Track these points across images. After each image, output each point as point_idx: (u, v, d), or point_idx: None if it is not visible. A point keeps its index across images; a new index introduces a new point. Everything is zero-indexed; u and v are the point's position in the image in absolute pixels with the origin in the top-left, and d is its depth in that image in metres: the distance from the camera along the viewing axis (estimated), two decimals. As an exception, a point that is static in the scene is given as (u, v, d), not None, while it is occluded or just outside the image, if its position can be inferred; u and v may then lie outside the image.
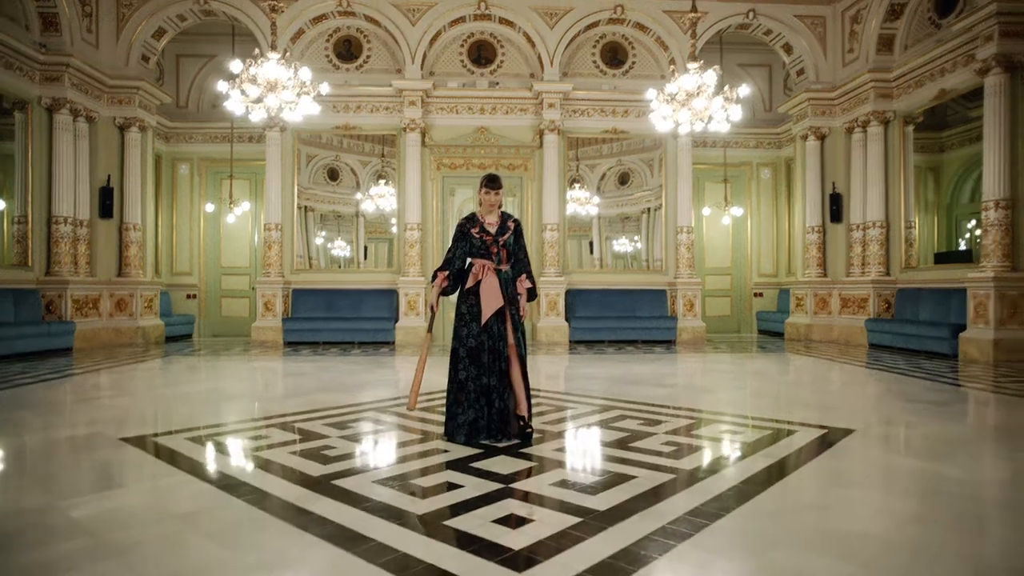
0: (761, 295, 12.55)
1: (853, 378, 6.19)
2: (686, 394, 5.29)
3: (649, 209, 10.81)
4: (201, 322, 11.85)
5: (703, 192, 12.20)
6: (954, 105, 9.00)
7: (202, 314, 11.93)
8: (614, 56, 10.49)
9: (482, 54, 10.38)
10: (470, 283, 3.49)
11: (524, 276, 3.50)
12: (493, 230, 3.49)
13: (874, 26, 9.20)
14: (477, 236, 3.51)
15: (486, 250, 3.49)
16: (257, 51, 6.29)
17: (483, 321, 3.41)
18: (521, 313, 3.48)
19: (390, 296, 10.08)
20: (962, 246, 9.31)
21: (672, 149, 10.34)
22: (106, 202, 9.29)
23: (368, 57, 10.25)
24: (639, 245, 10.95)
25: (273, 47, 6.29)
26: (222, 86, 6.23)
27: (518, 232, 3.51)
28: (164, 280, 11.51)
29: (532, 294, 3.55)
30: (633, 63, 10.48)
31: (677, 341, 9.97)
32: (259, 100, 6.20)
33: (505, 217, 3.52)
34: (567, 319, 10.06)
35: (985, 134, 7.43)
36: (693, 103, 6.30)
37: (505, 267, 3.49)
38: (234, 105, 6.21)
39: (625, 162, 13.62)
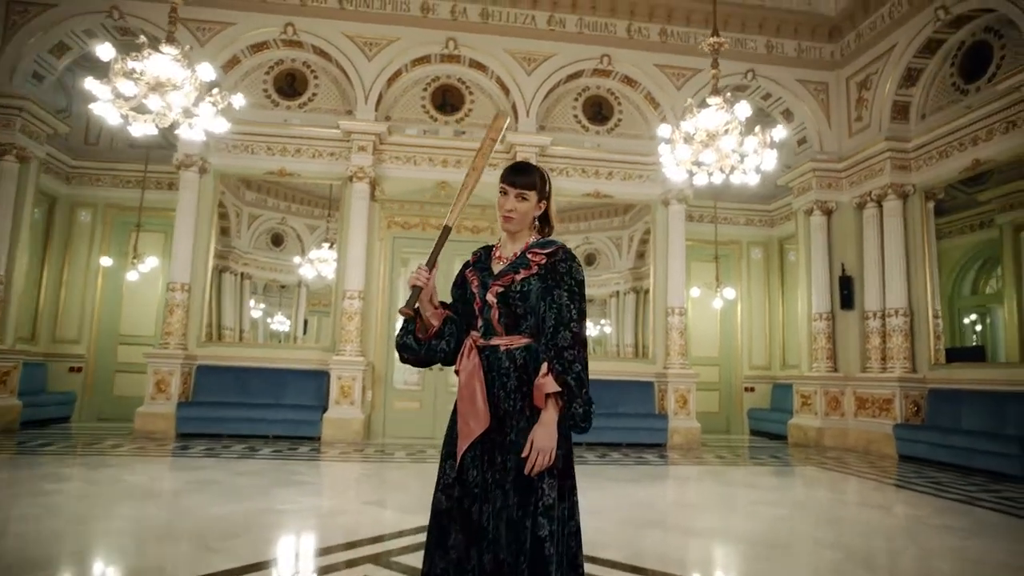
0: (753, 390, 11.05)
1: (979, 524, 4.54)
2: (751, 556, 3.54)
3: (618, 292, 9.44)
4: (86, 401, 9.57)
5: (689, 272, 10.87)
6: (952, 190, 8.04)
7: (88, 392, 9.67)
8: (598, 111, 9.29)
9: (448, 100, 9.03)
10: (457, 365, 1.87)
11: (548, 362, 1.70)
12: (498, 268, 1.86)
13: (888, 91, 8.24)
14: (471, 278, 1.90)
15: (471, 308, 1.88)
16: (147, 47, 4.66)
17: (457, 457, 1.75)
18: (539, 448, 1.64)
19: (319, 379, 8.14)
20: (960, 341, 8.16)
21: (662, 218, 8.99)
22: (-45, 246, 7.28)
23: (314, 95, 8.75)
24: (607, 330, 9.46)
25: (169, 40, 4.67)
26: (90, 84, 4.54)
27: (552, 274, 1.76)
28: (41, 348, 9.31)
29: (573, 407, 1.69)
30: (619, 120, 9.28)
31: (668, 445, 8.24)
32: (141, 108, 4.51)
33: (539, 247, 1.82)
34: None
35: (1044, 208, 6.27)
36: (720, 143, 4.91)
37: (502, 341, 1.79)
38: (104, 111, 4.52)
39: (593, 240, 12.33)
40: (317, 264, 9.31)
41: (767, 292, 11.29)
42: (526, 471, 1.65)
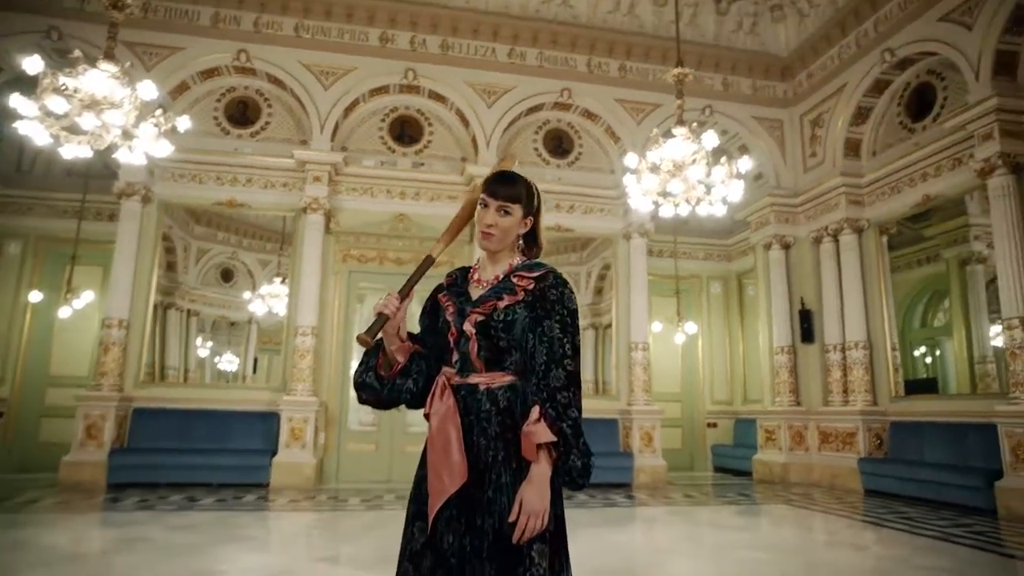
0: (715, 425, 10.96)
1: (963, 563, 4.41)
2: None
3: (579, 326, 9.26)
4: (6, 450, 8.78)
5: (650, 307, 10.80)
6: (900, 226, 8.26)
7: (10, 437, 8.89)
8: (559, 145, 9.25)
9: (406, 131, 8.84)
10: (427, 408, 1.59)
11: (539, 406, 1.45)
12: (476, 292, 1.62)
13: (840, 128, 8.44)
14: (444, 304, 1.64)
15: (445, 341, 1.62)
16: (83, 63, 4.32)
17: (429, 519, 1.47)
18: (529, 511, 1.38)
19: (269, 421, 7.64)
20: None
21: (624, 252, 8.92)
22: None
23: (267, 123, 8.45)
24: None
25: (108, 56, 4.33)
26: (15, 101, 4.16)
27: (541, 302, 1.52)
28: (-43, 392, 8.54)
29: (570, 459, 1.42)
30: (580, 154, 9.25)
31: (635, 484, 7.99)
32: (75, 128, 4.15)
33: (525, 270, 1.58)
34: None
35: (996, 244, 6.42)
36: (687, 173, 4.83)
37: (482, 379, 1.53)
38: (31, 129, 4.14)
39: None
40: (268, 300, 8.88)
41: (727, 326, 11.31)
42: (515, 539, 1.38)
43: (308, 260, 7.93)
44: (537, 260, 1.65)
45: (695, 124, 5.50)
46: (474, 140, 8.63)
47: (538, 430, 1.42)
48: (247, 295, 9.03)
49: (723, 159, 5.08)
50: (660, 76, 8.85)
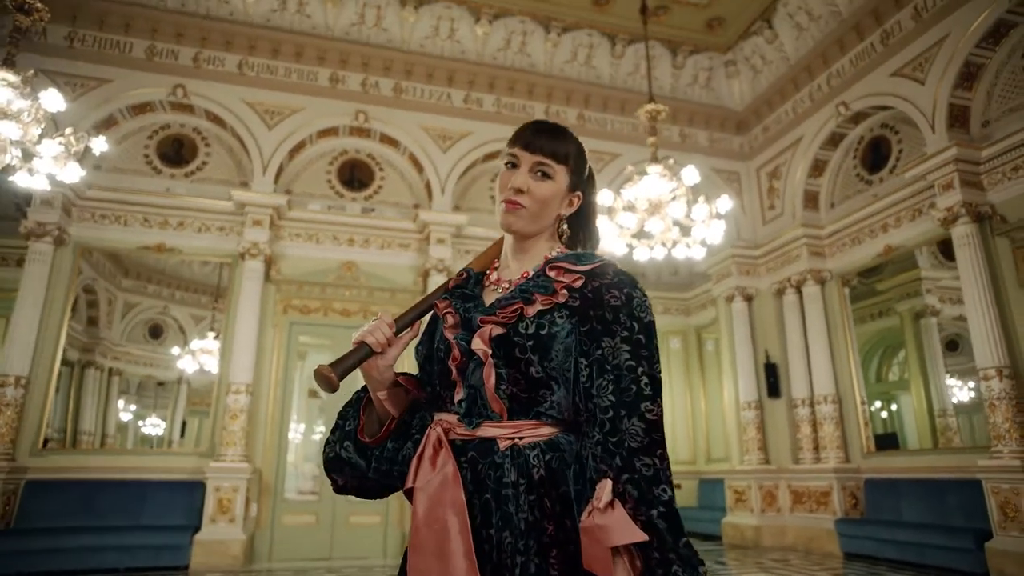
0: (679, 487, 10.44)
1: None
2: None
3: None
4: None
5: (609, 360, 10.42)
6: (855, 280, 8.23)
7: None
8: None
9: (356, 175, 8.37)
10: (409, 481, 1.02)
11: (609, 480, 0.90)
12: (493, 297, 1.11)
13: (798, 181, 8.44)
14: (443, 314, 1.13)
15: (441, 368, 1.08)
16: (-17, 71, 3.70)
17: None
18: None
19: (193, 492, 6.72)
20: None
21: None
22: None
23: (204, 163, 7.83)
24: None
25: (7, 64, 3.72)
26: None
27: (596, 309, 1.01)
28: None
29: (670, 571, 0.86)
30: (537, 204, 8.93)
31: (602, 553, 7.34)
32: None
33: (568, 261, 1.08)
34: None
35: (966, 293, 6.32)
36: (667, 210, 4.50)
37: (503, 430, 0.99)
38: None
39: None
40: (200, 355, 8.03)
41: (688, 383, 10.99)
42: None
43: (244, 310, 7.22)
44: (591, 255, 1.16)
45: (671, 160, 5.25)
46: (428, 186, 8.23)
47: (612, 522, 0.88)
48: (175, 350, 8.16)
49: (701, 198, 4.80)
50: (618, 126, 8.77)
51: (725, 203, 4.97)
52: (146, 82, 7.34)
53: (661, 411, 0.99)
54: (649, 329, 1.03)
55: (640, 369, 0.99)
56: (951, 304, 8.32)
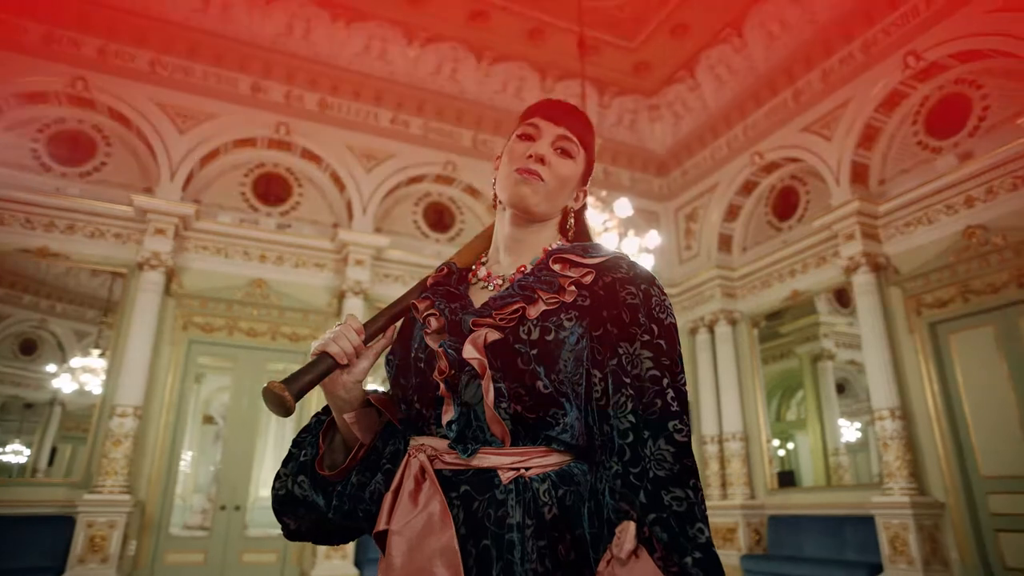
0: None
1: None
2: None
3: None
4: None
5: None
6: (760, 322, 8.65)
7: None
8: (440, 219, 8.78)
9: (272, 189, 7.96)
10: (381, 523, 0.79)
11: (632, 523, 0.76)
12: (483, 296, 0.94)
13: (714, 223, 8.79)
14: (423, 316, 0.93)
15: (422, 382, 0.88)
16: None
17: None
18: None
19: (58, 528, 5.97)
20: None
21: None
22: None
23: (103, 164, 7.20)
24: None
25: None
26: None
27: (612, 309, 0.87)
28: None
29: None
30: (461, 230, 8.83)
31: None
32: None
33: (575, 253, 0.93)
34: None
35: (864, 337, 6.70)
36: (599, 241, 4.51)
37: (504, 459, 0.81)
38: None
39: None
40: (80, 374, 7.26)
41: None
42: None
43: (139, 325, 6.61)
44: (595, 243, 1.03)
45: (604, 193, 5.29)
46: (349, 205, 7.94)
47: (638, 573, 0.74)
48: (51, 367, 7.35)
49: (630, 232, 4.85)
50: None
51: (654, 238, 5.06)
52: (41, 70, 6.71)
53: (690, 431, 0.86)
54: (671, 333, 0.90)
55: (665, 380, 0.86)
56: (845, 348, 8.85)
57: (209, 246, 7.31)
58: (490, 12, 7.61)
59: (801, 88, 7.69)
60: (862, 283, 6.72)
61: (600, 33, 7.81)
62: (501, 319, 0.87)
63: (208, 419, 11.23)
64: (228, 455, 7.21)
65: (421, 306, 0.95)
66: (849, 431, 9.55)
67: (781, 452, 9.22)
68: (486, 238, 1.09)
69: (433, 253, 8.43)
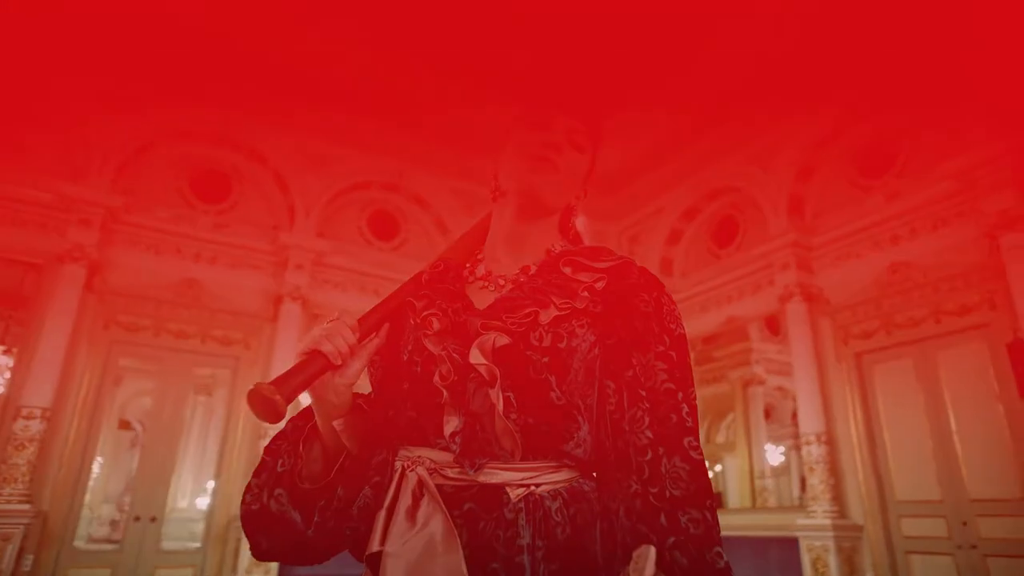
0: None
1: None
2: None
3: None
4: None
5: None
6: (694, 346, 8.93)
7: None
8: (385, 227, 8.63)
9: (212, 185, 7.65)
10: (373, 544, 0.71)
11: (652, 547, 0.73)
12: (485, 297, 0.88)
13: (656, 247, 8.98)
14: (419, 316, 0.85)
15: (418, 388, 0.81)
16: None
17: None
18: None
19: (-51, 537, 5.48)
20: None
21: (446, 346, 8.34)
22: None
23: (23, 147, 6.74)
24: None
25: None
26: None
27: (625, 314, 0.84)
28: None
29: None
30: (405, 239, 8.70)
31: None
32: None
33: (584, 257, 0.90)
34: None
35: (795, 365, 6.95)
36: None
37: (515, 474, 0.75)
38: None
39: None
40: (-18, 372, 6.74)
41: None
42: None
43: (54, 322, 6.19)
44: (600, 246, 0.99)
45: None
46: (292, 207, 7.72)
47: None
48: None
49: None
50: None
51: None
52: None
53: (699, 443, 0.84)
54: (682, 344, 0.88)
55: (680, 394, 0.83)
56: (775, 375, 9.16)
57: (139, 241, 6.94)
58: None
59: (747, 119, 7.95)
60: (795, 312, 6.98)
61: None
62: (513, 323, 0.81)
63: (125, 424, 10.60)
64: (146, 463, 6.81)
65: (420, 305, 0.89)
66: (774, 455, 9.87)
67: (710, 474, 9.46)
68: (479, 233, 1.04)
69: (376, 261, 8.27)
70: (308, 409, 0.91)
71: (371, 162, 8.27)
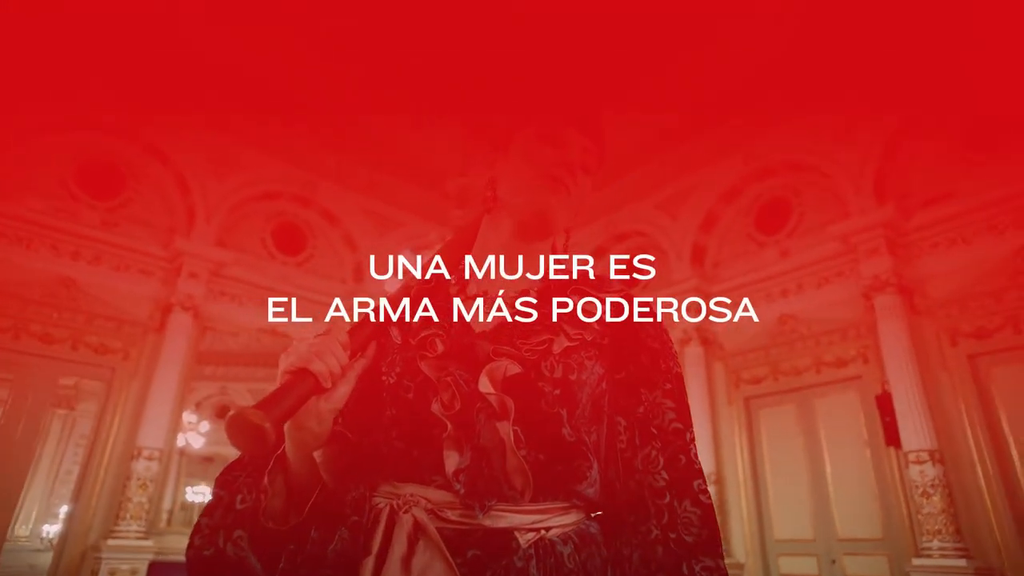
0: None
1: None
2: None
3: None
4: None
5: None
6: None
7: None
8: (290, 240, 8.26)
9: (102, 179, 7.02)
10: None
11: None
12: (482, 318, 0.82)
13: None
14: (422, 337, 0.77)
15: (410, 416, 0.73)
16: None
17: None
18: None
19: None
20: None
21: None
22: None
23: None
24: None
25: None
26: None
27: (633, 350, 0.79)
28: None
29: None
30: (311, 255, 8.36)
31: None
32: None
33: (592, 286, 0.86)
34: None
35: (692, 407, 7.22)
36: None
37: (524, 517, 0.69)
38: None
39: (232, 392, 10.87)
40: None
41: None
42: None
43: None
44: (604, 275, 0.96)
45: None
46: (191, 210, 7.23)
47: None
48: None
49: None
50: (411, 196, 8.73)
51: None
52: None
53: (705, 485, 0.82)
54: (683, 384, 0.87)
55: (687, 435, 0.82)
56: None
57: (11, 237, 6.23)
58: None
59: (657, 166, 8.33)
60: (692, 355, 7.30)
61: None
62: (528, 351, 0.76)
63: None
64: (-10, 484, 6.01)
65: (418, 325, 0.81)
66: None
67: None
68: (461, 242, 0.97)
69: (279, 276, 7.88)
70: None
71: (282, 171, 7.93)
